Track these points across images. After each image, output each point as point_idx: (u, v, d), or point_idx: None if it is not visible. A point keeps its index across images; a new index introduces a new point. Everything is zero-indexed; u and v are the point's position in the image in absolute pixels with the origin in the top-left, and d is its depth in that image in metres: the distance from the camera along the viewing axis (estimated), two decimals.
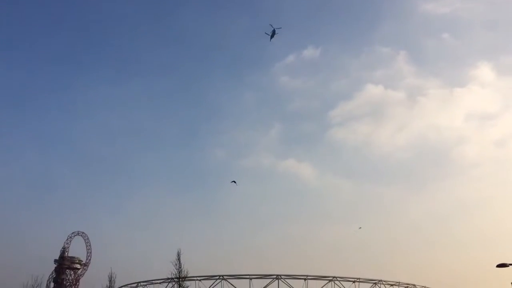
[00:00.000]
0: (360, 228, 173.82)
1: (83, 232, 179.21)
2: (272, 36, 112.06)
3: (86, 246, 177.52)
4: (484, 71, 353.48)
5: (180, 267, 27.58)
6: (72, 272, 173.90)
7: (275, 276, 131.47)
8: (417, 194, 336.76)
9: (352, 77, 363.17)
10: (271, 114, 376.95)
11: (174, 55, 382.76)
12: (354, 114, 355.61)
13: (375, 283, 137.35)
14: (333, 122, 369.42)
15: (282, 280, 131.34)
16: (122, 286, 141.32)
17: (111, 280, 30.27)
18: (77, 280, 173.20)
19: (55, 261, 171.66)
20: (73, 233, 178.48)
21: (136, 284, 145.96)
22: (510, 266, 33.44)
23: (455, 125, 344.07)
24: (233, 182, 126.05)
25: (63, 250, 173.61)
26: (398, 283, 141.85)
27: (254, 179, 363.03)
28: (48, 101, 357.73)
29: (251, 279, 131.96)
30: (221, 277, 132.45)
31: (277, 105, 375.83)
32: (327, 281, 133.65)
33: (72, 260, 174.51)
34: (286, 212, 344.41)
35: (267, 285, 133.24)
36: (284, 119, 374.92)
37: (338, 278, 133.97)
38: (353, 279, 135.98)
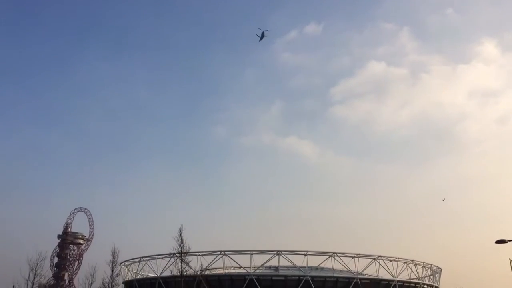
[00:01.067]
0: (444, 200, 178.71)
1: (85, 208, 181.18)
2: (261, 38, 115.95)
3: (89, 222, 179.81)
4: (488, 48, 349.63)
5: (182, 242, 28.15)
6: (76, 247, 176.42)
7: (275, 252, 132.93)
8: (418, 171, 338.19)
9: (354, 54, 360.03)
10: (272, 91, 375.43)
11: (173, 31, 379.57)
12: (356, 92, 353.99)
13: (374, 259, 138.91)
14: (335, 99, 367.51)
15: (283, 255, 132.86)
16: (125, 261, 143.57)
17: (114, 255, 31.06)
18: (81, 255, 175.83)
19: (59, 236, 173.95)
20: (75, 209, 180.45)
21: (138, 259, 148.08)
22: (509, 242, 33.78)
23: (457, 102, 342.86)
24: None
25: (66, 226, 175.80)
26: (397, 259, 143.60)
27: (255, 157, 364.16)
28: (46, 78, 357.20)
29: (252, 254, 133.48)
30: (222, 252, 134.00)
31: (278, 82, 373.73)
32: (327, 256, 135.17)
33: (75, 235, 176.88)
34: (287, 190, 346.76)
35: (268, 260, 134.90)
36: (285, 96, 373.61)
37: (338, 254, 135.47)
38: (352, 255, 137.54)
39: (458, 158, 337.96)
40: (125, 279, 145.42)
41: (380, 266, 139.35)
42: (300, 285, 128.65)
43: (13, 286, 37.77)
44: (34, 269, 29.12)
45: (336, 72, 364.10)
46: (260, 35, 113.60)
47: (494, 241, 35.04)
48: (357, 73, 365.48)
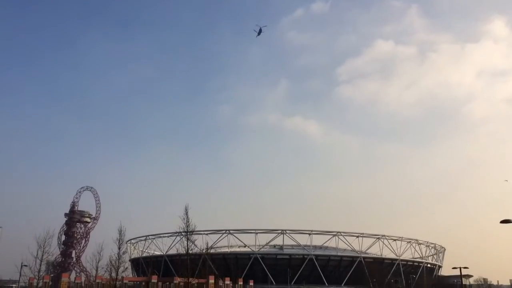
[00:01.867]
0: (507, 180, 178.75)
1: (92, 187, 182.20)
2: (258, 34, 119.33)
3: (95, 200, 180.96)
4: (498, 26, 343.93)
5: (188, 221, 28.56)
6: (82, 226, 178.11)
7: (280, 231, 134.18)
8: (424, 151, 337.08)
9: (361, 32, 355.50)
10: (277, 70, 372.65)
11: (179, 11, 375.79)
12: (362, 71, 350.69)
13: (378, 238, 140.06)
14: (341, 79, 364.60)
15: (287, 234, 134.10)
16: (131, 239, 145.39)
17: (120, 233, 31.48)
18: (88, 233, 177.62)
19: (66, 215, 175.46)
20: (82, 188, 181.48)
21: (144, 237, 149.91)
22: None
23: (465, 81, 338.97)
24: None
25: (73, 205, 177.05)
26: (401, 238, 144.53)
27: (260, 136, 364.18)
28: (55, 58, 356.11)
29: (256, 233, 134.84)
30: (227, 231, 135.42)
31: (284, 61, 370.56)
32: (331, 235, 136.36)
33: (82, 214, 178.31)
34: (292, 169, 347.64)
35: (273, 239, 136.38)
36: (290, 76, 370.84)
37: (342, 233, 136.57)
38: (356, 234, 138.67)
39: (464, 139, 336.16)
40: (132, 257, 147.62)
41: (383, 245, 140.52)
42: (304, 264, 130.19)
43: (22, 263, 38.26)
44: (42, 246, 29.69)
45: (342, 51, 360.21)
46: (257, 30, 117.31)
47: (499, 221, 34.96)
48: (363, 52, 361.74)
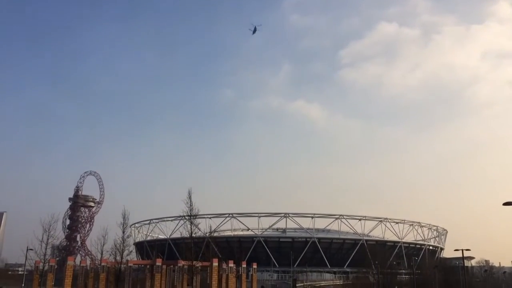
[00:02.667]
0: None
1: (95, 172, 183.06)
2: (253, 32, 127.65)
3: (99, 185, 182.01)
4: (503, 7, 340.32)
5: (191, 205, 28.68)
6: (87, 210, 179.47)
7: (283, 214, 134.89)
8: (427, 134, 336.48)
9: (364, 15, 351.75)
10: (280, 53, 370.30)
11: None
12: (365, 54, 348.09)
13: (380, 221, 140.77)
14: (343, 62, 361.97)
15: (290, 218, 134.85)
16: (135, 223, 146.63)
17: (124, 217, 31.74)
18: (92, 218, 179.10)
19: (70, 199, 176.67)
20: (85, 172, 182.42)
21: (148, 221, 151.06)
22: None
23: (470, 64, 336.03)
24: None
25: (77, 189, 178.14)
26: (403, 221, 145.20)
27: (263, 120, 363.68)
28: (55, 43, 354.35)
29: (259, 217, 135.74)
30: (230, 215, 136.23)
31: (286, 44, 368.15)
32: (334, 219, 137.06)
33: (86, 198, 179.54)
34: (295, 153, 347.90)
35: (275, 222, 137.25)
36: (293, 59, 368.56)
37: (344, 216, 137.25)
38: (359, 217, 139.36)
39: (468, 122, 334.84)
40: (136, 241, 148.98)
41: (386, 228, 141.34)
42: (307, 247, 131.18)
43: (27, 247, 38.67)
44: (47, 230, 29.99)
45: (345, 34, 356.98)
46: (252, 29, 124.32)
47: (502, 203, 34.97)
48: (367, 35, 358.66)
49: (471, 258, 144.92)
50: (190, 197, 31.50)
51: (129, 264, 32.22)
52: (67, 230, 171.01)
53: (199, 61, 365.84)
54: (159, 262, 29.89)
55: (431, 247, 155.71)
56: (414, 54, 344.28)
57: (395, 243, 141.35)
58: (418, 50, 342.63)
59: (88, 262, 38.86)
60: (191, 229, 32.53)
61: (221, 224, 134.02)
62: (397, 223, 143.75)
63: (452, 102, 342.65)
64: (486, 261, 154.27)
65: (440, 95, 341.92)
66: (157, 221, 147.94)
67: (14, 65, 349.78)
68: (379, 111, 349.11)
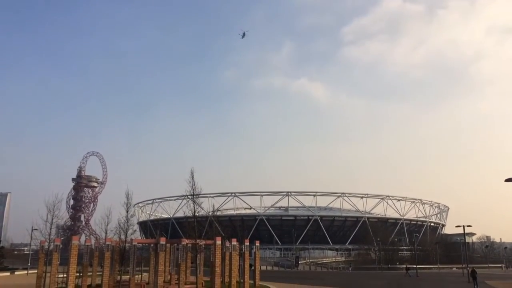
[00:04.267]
0: None
1: (97, 152, 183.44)
2: (243, 36, 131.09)
3: (102, 165, 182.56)
4: None
5: (194, 184, 28.71)
6: (90, 190, 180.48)
7: (285, 193, 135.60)
8: (431, 111, 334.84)
9: None
10: (281, 31, 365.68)
11: None
12: (368, 31, 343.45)
13: (382, 199, 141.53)
14: (346, 39, 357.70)
15: (292, 196, 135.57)
16: (138, 203, 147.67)
17: (128, 197, 31.78)
18: (95, 198, 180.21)
19: (73, 179, 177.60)
20: (88, 153, 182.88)
21: (151, 201, 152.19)
22: None
23: (475, 39, 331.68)
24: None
25: (80, 170, 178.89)
26: (405, 198, 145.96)
27: (266, 99, 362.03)
28: (56, 22, 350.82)
29: (262, 195, 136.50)
30: (233, 194, 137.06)
31: (288, 21, 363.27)
32: (336, 197, 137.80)
33: (89, 178, 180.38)
34: (298, 132, 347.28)
35: (278, 201, 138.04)
36: (295, 37, 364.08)
37: (346, 194, 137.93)
38: (361, 195, 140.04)
39: (472, 98, 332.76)
40: (140, 220, 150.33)
41: (388, 205, 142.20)
42: (309, 225, 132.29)
43: (32, 227, 39.06)
44: (52, 210, 30.10)
45: (348, 10, 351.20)
46: (241, 34, 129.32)
47: (504, 180, 34.97)
48: (370, 11, 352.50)
49: (472, 234, 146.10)
50: (192, 177, 31.52)
51: (134, 243, 32.42)
52: (71, 210, 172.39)
53: (201, 40, 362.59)
54: (163, 240, 30.12)
55: (432, 224, 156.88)
56: (418, 30, 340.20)
57: (396, 220, 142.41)
58: (422, 26, 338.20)
59: (93, 241, 39.24)
60: (194, 208, 32.54)
61: (224, 203, 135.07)
62: (398, 200, 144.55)
63: (455, 79, 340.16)
64: (487, 237, 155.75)
65: (444, 72, 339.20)
66: (160, 200, 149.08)
67: (14, 47, 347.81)
68: (382, 89, 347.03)
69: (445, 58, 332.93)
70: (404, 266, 77.85)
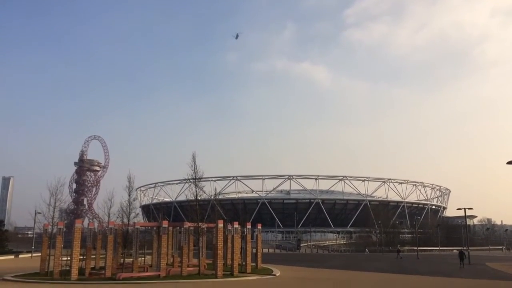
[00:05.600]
0: None
1: (99, 136, 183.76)
2: (236, 37, 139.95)
3: (103, 149, 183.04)
4: None
5: (195, 168, 28.77)
6: (92, 174, 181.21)
7: (287, 177, 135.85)
8: (433, 94, 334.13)
9: None
10: (283, 13, 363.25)
11: None
12: (371, 13, 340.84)
13: (384, 182, 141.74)
14: (349, 21, 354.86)
15: (294, 180, 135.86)
16: (141, 187, 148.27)
17: (130, 180, 31.89)
18: (98, 181, 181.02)
19: (75, 163, 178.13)
20: (89, 137, 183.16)
21: (154, 184, 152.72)
22: None
23: (479, 21, 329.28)
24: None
25: (82, 154, 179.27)
26: (406, 182, 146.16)
27: (268, 83, 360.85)
28: (53, 4, 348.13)
29: (263, 179, 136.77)
30: (235, 177, 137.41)
31: (290, 3, 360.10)
32: (338, 180, 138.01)
33: (91, 162, 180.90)
34: (300, 115, 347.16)
35: (279, 184, 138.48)
36: (297, 19, 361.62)
37: (348, 178, 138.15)
38: (362, 178, 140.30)
39: (475, 81, 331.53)
40: (142, 204, 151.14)
41: (389, 188, 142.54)
42: (311, 208, 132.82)
43: (36, 211, 39.28)
44: (54, 194, 30.16)
45: None
46: (235, 35, 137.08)
47: (506, 162, 34.89)
48: None
49: (473, 216, 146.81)
50: (194, 160, 31.53)
51: (136, 226, 32.63)
52: (74, 194, 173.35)
53: (203, 22, 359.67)
54: (165, 224, 30.22)
55: (433, 207, 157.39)
56: (422, 12, 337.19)
57: (398, 203, 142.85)
58: (426, 8, 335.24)
59: (96, 224, 39.47)
60: (196, 192, 32.65)
61: (226, 187, 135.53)
62: (400, 183, 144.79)
63: (459, 61, 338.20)
64: (488, 219, 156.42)
65: (447, 55, 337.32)
66: (162, 184, 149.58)
67: (14, 27, 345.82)
68: (385, 72, 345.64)
69: (448, 40, 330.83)
70: (396, 248, 79.27)
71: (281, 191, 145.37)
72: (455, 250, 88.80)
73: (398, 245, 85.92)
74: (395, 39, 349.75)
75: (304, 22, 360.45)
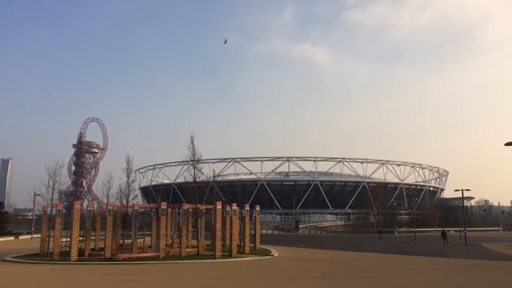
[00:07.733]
0: None
1: (97, 118, 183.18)
2: (225, 42, 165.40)
3: (102, 131, 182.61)
4: None
5: (194, 150, 28.74)
6: (91, 156, 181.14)
7: (285, 158, 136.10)
8: (434, 76, 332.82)
9: None
10: None
11: None
12: None
13: (382, 164, 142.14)
14: (349, 2, 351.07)
15: (293, 162, 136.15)
16: (140, 169, 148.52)
17: (128, 162, 31.91)
18: (97, 163, 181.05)
19: (74, 145, 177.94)
20: (88, 119, 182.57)
21: (153, 166, 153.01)
22: None
23: (481, 2, 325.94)
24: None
25: (80, 136, 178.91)
26: (404, 163, 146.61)
27: (268, 65, 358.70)
28: None
29: (262, 161, 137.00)
30: (233, 159, 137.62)
31: None
32: (336, 162, 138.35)
33: (90, 144, 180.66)
34: (299, 97, 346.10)
35: (278, 166, 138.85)
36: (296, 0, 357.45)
37: (346, 159, 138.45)
38: (361, 160, 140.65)
39: (477, 62, 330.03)
40: (141, 185, 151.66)
41: (387, 170, 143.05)
42: (309, 189, 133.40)
43: (35, 192, 39.42)
44: (53, 176, 30.22)
45: None
46: (224, 41, 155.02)
47: (504, 144, 34.96)
48: None
49: (470, 198, 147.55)
50: (192, 142, 31.51)
51: (135, 208, 32.77)
52: (73, 176, 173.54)
53: (201, 4, 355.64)
54: (164, 205, 30.36)
55: (431, 188, 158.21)
56: None
57: (396, 184, 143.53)
58: None
59: (95, 206, 39.67)
60: (194, 173, 32.74)
61: (224, 169, 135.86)
62: (398, 165, 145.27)
63: (461, 43, 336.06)
64: (485, 200, 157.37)
65: (449, 36, 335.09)
66: (161, 166, 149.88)
67: (13, 14, 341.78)
68: (386, 54, 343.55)
69: (450, 21, 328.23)
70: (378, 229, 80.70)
71: (280, 173, 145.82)
72: (452, 231, 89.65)
73: (380, 227, 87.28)
74: (396, 20, 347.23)
75: (304, 3, 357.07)
